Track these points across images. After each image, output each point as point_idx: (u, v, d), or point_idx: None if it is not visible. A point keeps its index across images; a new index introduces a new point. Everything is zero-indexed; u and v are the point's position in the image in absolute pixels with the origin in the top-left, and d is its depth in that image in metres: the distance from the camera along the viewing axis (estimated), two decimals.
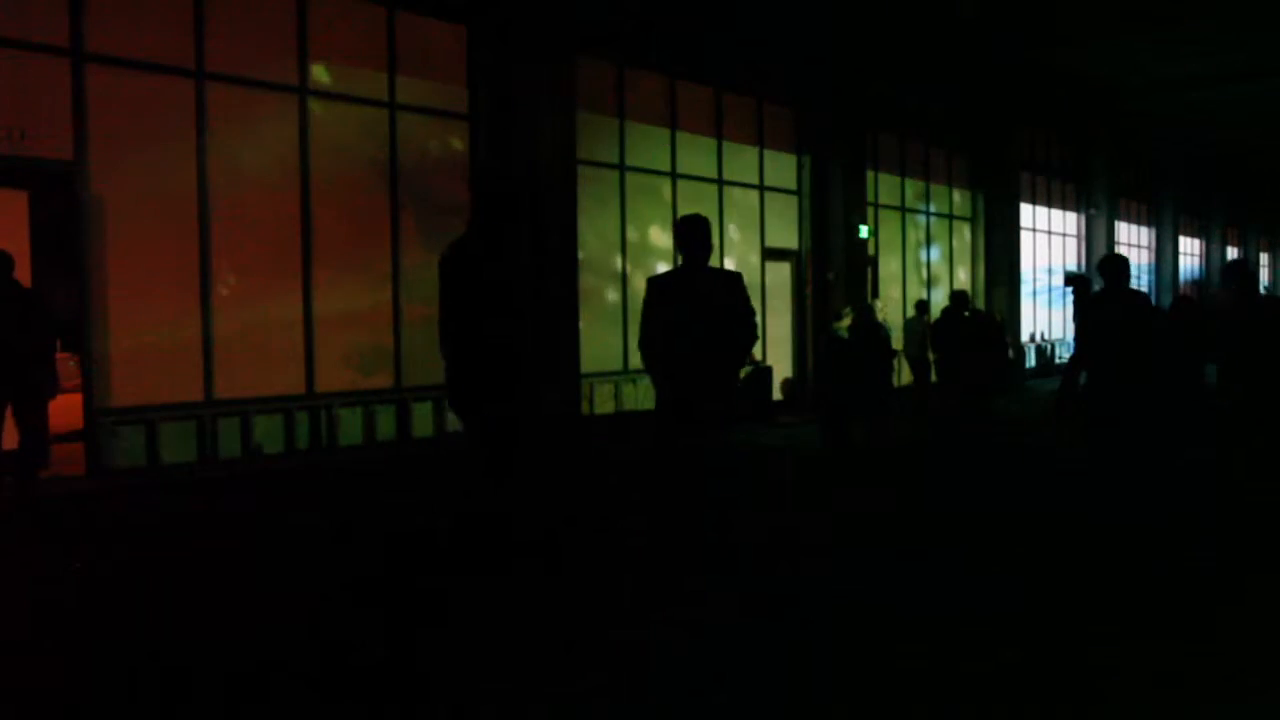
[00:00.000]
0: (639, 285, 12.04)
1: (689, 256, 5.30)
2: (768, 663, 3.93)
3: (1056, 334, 21.47)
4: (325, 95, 9.11)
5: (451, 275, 4.87)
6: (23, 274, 7.54)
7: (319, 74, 9.08)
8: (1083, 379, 6.84)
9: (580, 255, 10.84)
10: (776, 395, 13.47)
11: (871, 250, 15.03)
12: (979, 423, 11.48)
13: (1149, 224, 26.45)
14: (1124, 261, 6.77)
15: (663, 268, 12.27)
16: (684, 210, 12.21)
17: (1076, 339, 7.15)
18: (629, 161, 11.75)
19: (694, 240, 5.27)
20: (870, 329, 10.06)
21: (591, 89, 11.16)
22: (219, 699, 3.64)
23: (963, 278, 18.24)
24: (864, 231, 14.47)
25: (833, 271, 14.02)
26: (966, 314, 11.83)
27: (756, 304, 6.76)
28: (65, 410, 8.05)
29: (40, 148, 7.50)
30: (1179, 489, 7.05)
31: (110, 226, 7.82)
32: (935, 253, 17.64)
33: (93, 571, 5.48)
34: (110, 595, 5.03)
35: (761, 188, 13.64)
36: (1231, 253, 32.41)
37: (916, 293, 16.50)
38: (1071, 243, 22.23)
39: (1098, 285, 7.41)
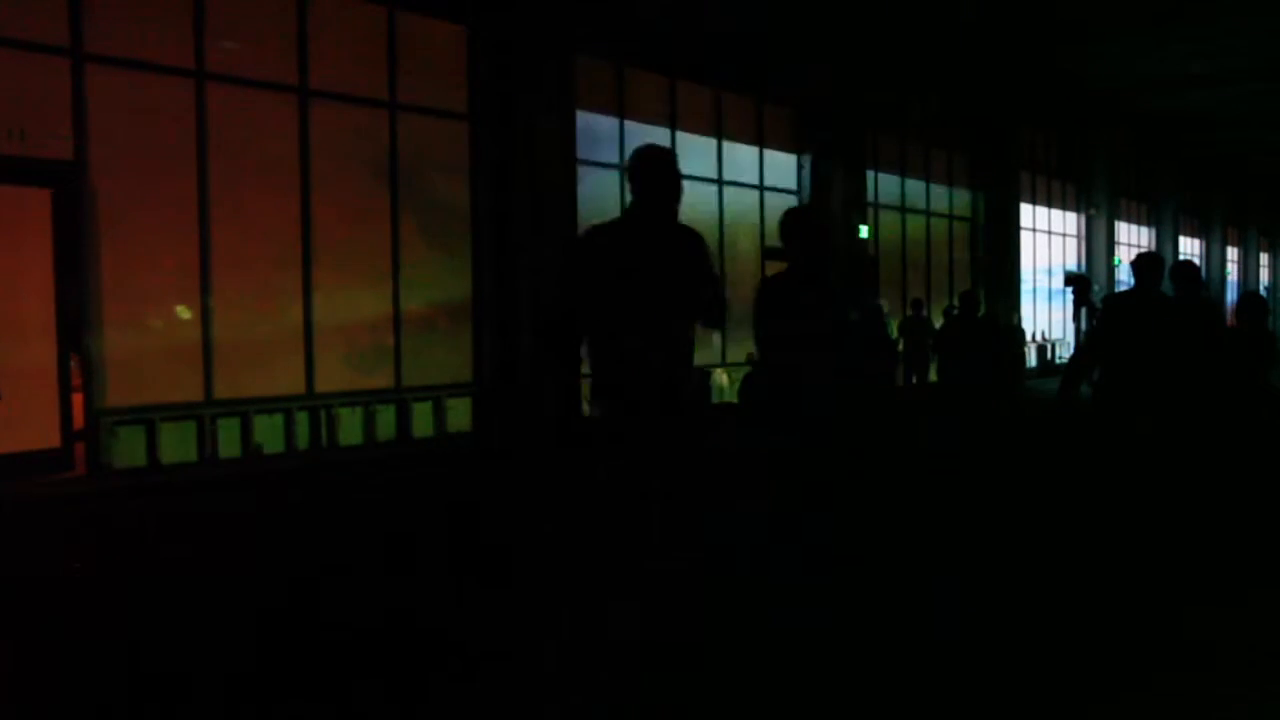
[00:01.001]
0: None
1: (649, 201, 3.88)
2: (767, 662, 3.93)
3: (1056, 334, 21.47)
4: (325, 95, 9.11)
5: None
6: (43, 275, 7.51)
7: (319, 74, 9.07)
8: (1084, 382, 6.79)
9: None
10: None
11: (871, 250, 15.02)
12: (978, 423, 11.46)
13: (1149, 224, 26.44)
14: (1156, 261, 6.61)
15: None
16: (684, 210, 12.20)
17: (1086, 337, 7.05)
18: (629, 161, 11.73)
19: (657, 178, 3.85)
20: (870, 329, 10.04)
21: (591, 89, 11.15)
22: (219, 699, 3.64)
23: (963, 278, 18.23)
24: (864, 231, 14.47)
25: (832, 271, 14.00)
26: (972, 316, 11.79)
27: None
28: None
29: (40, 148, 7.50)
30: (1180, 491, 7.04)
31: (110, 226, 7.82)
32: (935, 252, 17.62)
33: (91, 571, 5.48)
34: (109, 595, 5.03)
35: (761, 188, 13.64)
36: (1232, 253, 32.41)
37: (917, 293, 16.49)
38: (1071, 243, 22.24)
39: (1097, 288, 7.33)
